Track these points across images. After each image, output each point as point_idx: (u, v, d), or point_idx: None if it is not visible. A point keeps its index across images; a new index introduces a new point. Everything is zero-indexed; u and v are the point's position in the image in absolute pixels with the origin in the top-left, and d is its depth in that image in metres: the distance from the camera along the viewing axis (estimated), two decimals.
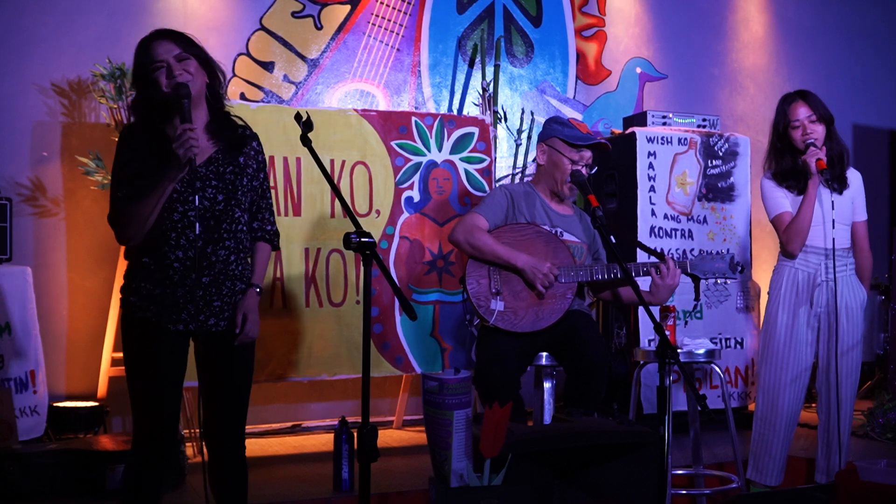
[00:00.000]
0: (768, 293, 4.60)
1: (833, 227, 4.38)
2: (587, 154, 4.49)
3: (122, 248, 3.42)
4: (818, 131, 4.42)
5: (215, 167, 3.31)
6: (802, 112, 4.43)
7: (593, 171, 4.55)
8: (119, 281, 5.29)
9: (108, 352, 5.34)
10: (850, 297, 4.45)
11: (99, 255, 5.63)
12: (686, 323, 5.92)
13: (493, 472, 3.12)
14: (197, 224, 3.22)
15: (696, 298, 4.35)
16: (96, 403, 5.33)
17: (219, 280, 3.32)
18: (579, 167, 4.45)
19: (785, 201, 4.48)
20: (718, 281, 4.35)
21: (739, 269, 4.33)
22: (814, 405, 4.72)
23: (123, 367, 5.22)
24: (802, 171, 4.42)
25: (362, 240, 3.10)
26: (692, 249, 6.03)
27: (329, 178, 3.34)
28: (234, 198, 3.34)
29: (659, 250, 5.50)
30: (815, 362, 4.54)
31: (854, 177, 4.57)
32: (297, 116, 3.38)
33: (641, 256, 5.46)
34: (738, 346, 6.08)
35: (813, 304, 4.45)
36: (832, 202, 4.39)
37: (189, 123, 3.14)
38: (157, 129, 3.26)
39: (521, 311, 4.31)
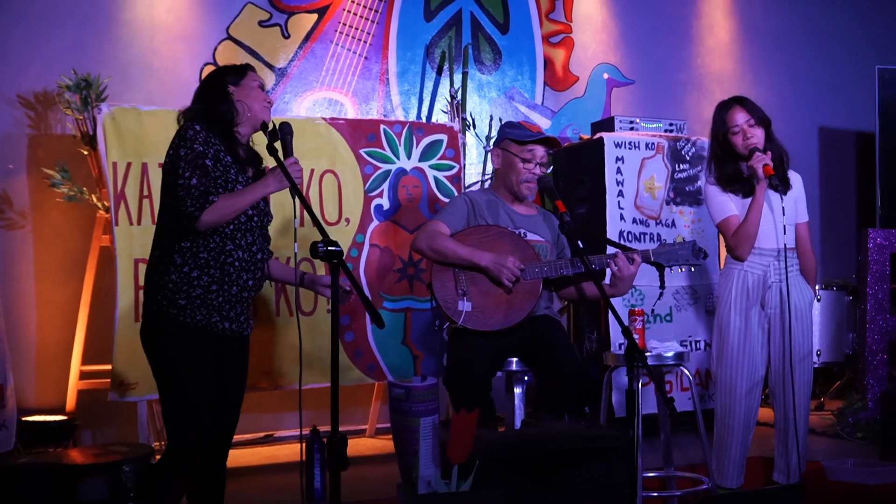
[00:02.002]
0: (718, 296, 4.62)
1: (785, 232, 4.42)
2: (539, 152, 4.54)
3: (154, 244, 3.49)
4: (758, 135, 4.44)
5: (256, 178, 3.57)
6: (741, 117, 4.45)
7: (549, 171, 4.59)
8: (88, 293, 5.31)
9: (76, 365, 5.30)
10: (799, 298, 4.47)
11: (67, 267, 5.60)
12: (653, 311, 5.94)
13: (461, 478, 3.13)
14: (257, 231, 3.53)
15: (661, 286, 4.37)
16: (65, 417, 5.29)
17: (257, 284, 3.55)
18: (532, 165, 4.50)
19: (730, 205, 4.50)
20: (683, 269, 4.38)
21: (703, 255, 4.35)
22: (770, 401, 4.74)
23: (93, 381, 5.28)
24: (746, 176, 4.46)
25: (329, 248, 3.13)
26: None
27: (296, 187, 3.36)
28: (268, 206, 3.65)
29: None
30: (768, 362, 4.56)
31: (795, 178, 4.59)
32: (264, 126, 3.44)
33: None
34: (708, 349, 6.11)
35: (765, 305, 4.48)
36: (783, 208, 4.41)
37: (294, 157, 3.48)
38: (224, 129, 3.49)
39: (490, 310, 4.34)
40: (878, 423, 5.42)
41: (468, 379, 4.23)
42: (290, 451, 5.67)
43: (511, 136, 4.59)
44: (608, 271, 4.38)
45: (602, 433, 3.57)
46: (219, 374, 3.46)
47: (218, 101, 3.50)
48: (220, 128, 3.46)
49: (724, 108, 4.53)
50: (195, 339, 3.34)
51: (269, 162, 3.57)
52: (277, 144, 3.49)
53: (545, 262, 4.39)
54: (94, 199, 5.32)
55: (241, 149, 3.55)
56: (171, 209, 3.35)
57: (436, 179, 5.78)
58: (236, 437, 5.73)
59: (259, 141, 3.64)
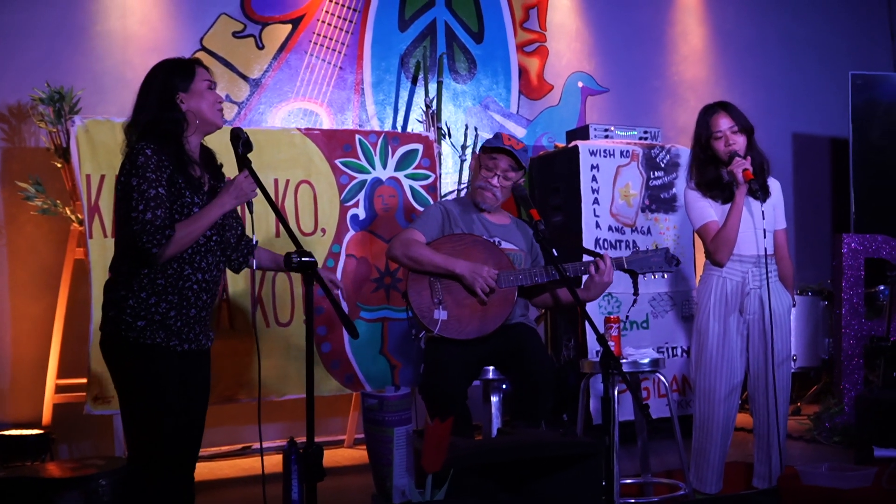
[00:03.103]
0: (697, 302, 4.64)
1: (765, 237, 4.44)
2: (502, 163, 4.55)
3: (112, 269, 3.42)
4: (740, 142, 4.46)
5: (212, 191, 3.45)
6: (724, 123, 4.47)
7: (523, 181, 4.62)
8: (63, 307, 5.29)
9: (52, 378, 5.28)
10: (778, 304, 4.50)
11: (42, 280, 5.57)
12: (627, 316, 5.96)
13: (435, 487, 3.13)
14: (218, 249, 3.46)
15: (635, 293, 4.39)
16: (42, 431, 5.26)
17: (215, 299, 3.49)
18: (491, 174, 4.52)
19: (710, 210, 4.52)
20: (656, 275, 4.40)
21: (675, 262, 4.37)
22: (747, 406, 4.77)
23: (69, 394, 5.26)
24: (727, 182, 4.48)
25: (303, 259, 3.12)
26: None
27: (268, 196, 3.35)
28: (232, 222, 3.56)
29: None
30: (747, 369, 4.58)
31: (774, 185, 4.63)
32: (235, 136, 3.40)
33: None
34: (685, 355, 6.14)
35: (743, 311, 4.50)
36: (762, 212, 4.43)
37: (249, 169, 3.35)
38: (174, 148, 3.35)
39: (466, 318, 4.34)
40: (854, 428, 5.44)
41: (444, 387, 4.24)
42: (268, 463, 5.63)
43: (484, 143, 4.63)
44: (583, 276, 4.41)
45: (576, 441, 3.58)
46: (181, 389, 3.41)
47: (165, 112, 3.36)
48: (170, 146, 3.32)
49: (708, 113, 4.54)
50: (158, 356, 3.29)
51: (227, 163, 3.51)
52: (236, 156, 3.40)
53: (520, 269, 4.40)
54: (69, 212, 5.31)
55: (194, 165, 3.42)
56: (128, 239, 3.26)
57: (412, 189, 5.79)
58: (214, 450, 5.77)
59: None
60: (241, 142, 3.39)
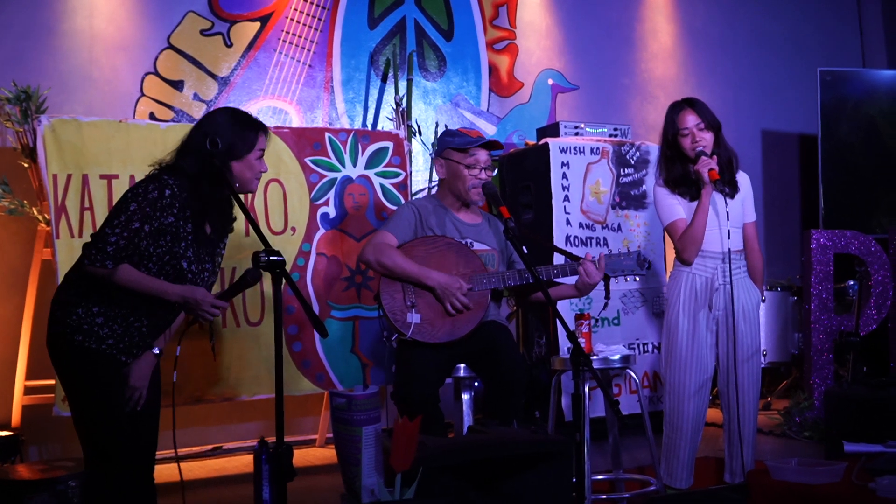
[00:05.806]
0: (666, 299, 4.66)
1: (729, 237, 4.45)
2: (482, 157, 4.54)
3: (72, 270, 3.38)
4: (707, 139, 4.47)
5: (209, 248, 3.45)
6: (691, 120, 4.48)
7: (494, 173, 4.60)
8: (31, 307, 5.25)
9: (20, 380, 5.24)
10: (746, 299, 4.52)
11: (9, 281, 5.53)
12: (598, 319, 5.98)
13: (404, 486, 3.12)
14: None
15: (607, 297, 4.41)
16: (11, 433, 5.22)
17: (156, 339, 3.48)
18: (477, 171, 4.50)
19: (679, 208, 4.53)
20: (628, 278, 4.41)
21: (647, 265, 4.38)
22: (718, 402, 4.79)
23: (38, 396, 5.22)
24: (694, 178, 4.49)
25: (271, 258, 3.10)
26: None
27: (237, 197, 3.33)
28: (207, 276, 3.52)
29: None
30: (717, 364, 4.60)
31: (743, 179, 4.64)
32: (254, 274, 3.40)
33: (558, 260, 5.50)
34: (656, 351, 6.15)
35: (712, 307, 4.51)
36: (727, 213, 4.44)
37: (226, 304, 3.32)
38: (202, 207, 3.35)
39: (438, 321, 4.32)
40: (824, 422, 5.47)
41: (416, 395, 4.21)
42: (239, 463, 5.64)
43: (452, 145, 4.57)
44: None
45: (546, 439, 3.57)
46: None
47: (212, 173, 3.33)
48: (199, 202, 3.32)
49: (675, 110, 4.54)
50: (103, 360, 3.29)
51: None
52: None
53: (493, 273, 4.38)
54: (36, 213, 5.26)
55: (210, 223, 3.43)
56: None
57: (382, 187, 5.78)
58: (184, 451, 5.73)
59: None
60: (260, 273, 3.32)
